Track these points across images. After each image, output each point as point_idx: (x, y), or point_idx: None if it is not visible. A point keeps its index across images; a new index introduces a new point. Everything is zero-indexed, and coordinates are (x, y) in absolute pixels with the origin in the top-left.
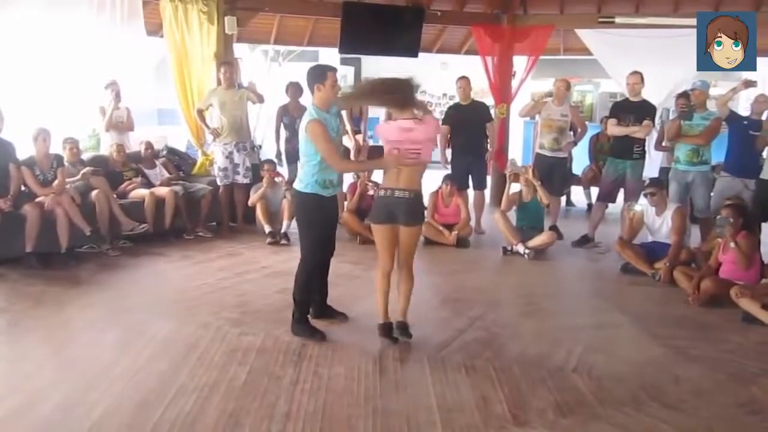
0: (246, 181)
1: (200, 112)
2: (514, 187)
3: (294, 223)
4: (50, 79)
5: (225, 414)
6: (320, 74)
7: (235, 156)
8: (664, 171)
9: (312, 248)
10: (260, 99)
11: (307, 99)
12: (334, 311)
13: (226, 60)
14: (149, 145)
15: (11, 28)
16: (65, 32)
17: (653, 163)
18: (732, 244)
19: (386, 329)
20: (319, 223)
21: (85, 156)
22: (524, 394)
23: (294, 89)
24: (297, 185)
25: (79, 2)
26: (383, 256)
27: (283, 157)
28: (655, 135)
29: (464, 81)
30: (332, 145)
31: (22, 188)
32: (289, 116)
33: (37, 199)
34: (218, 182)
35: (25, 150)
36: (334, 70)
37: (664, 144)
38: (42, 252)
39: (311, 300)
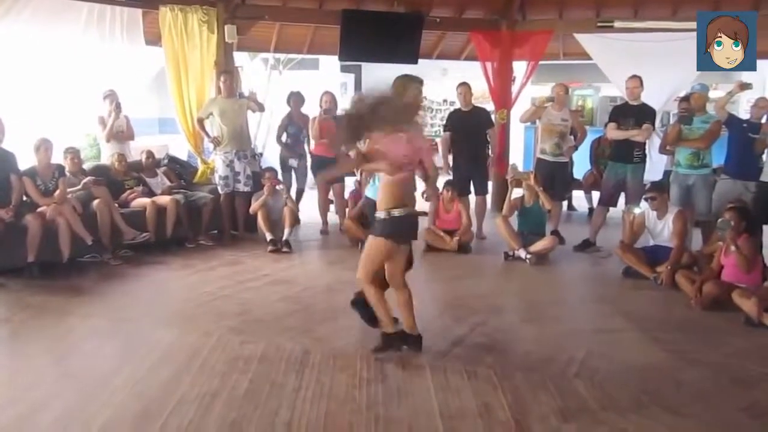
0: (247, 189)
1: (200, 121)
2: (516, 192)
3: (295, 231)
4: (50, 89)
5: (227, 423)
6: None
7: (236, 164)
8: (669, 174)
9: None
10: (261, 108)
11: (307, 108)
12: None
13: (226, 69)
14: (150, 154)
15: (11, 40)
16: (65, 43)
17: (657, 167)
18: (733, 248)
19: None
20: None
21: (87, 165)
22: (526, 400)
23: (296, 99)
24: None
25: (79, 13)
26: (375, 270)
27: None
28: (657, 139)
29: (464, 87)
30: None
31: (24, 198)
32: (294, 125)
33: (39, 209)
34: (219, 191)
35: (26, 160)
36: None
37: (667, 148)
38: (44, 262)
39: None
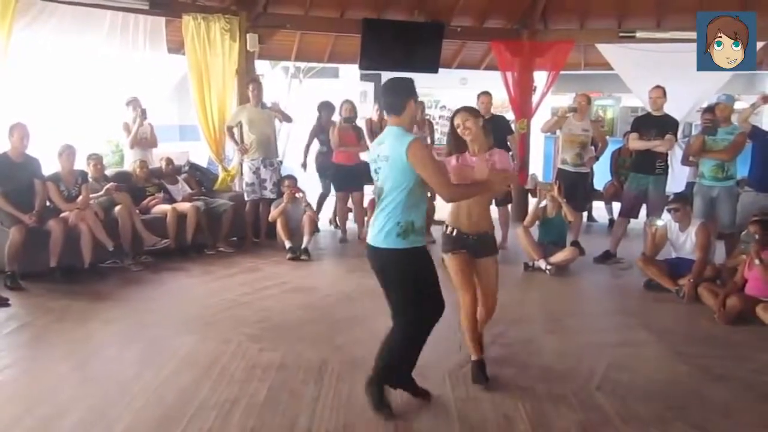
0: (273, 196)
1: (230, 129)
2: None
3: (314, 238)
4: (74, 96)
5: (245, 430)
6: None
7: (262, 171)
8: (691, 186)
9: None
10: (287, 119)
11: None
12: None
13: (254, 77)
14: (170, 161)
15: (37, 48)
16: (89, 50)
17: (679, 178)
18: (757, 261)
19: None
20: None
21: (109, 172)
22: (547, 412)
23: (327, 109)
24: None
25: (103, 21)
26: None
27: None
28: (679, 150)
29: (486, 97)
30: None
31: (47, 204)
32: (325, 134)
33: (62, 215)
34: (246, 197)
35: (50, 166)
36: None
37: (690, 159)
38: (66, 267)
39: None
